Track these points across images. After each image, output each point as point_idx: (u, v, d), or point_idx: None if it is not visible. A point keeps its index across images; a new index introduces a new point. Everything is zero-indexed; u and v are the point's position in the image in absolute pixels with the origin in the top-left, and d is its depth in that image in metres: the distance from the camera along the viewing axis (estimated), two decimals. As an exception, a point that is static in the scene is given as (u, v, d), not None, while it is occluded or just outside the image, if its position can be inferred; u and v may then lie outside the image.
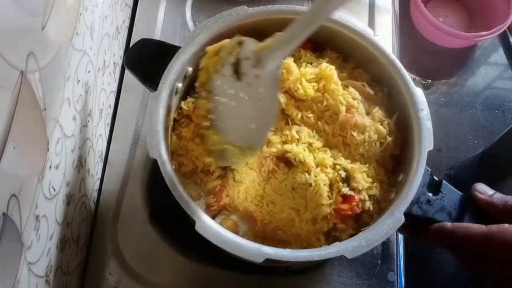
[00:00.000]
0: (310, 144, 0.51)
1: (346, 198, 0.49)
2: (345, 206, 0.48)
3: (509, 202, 0.47)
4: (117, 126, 0.67)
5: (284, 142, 0.52)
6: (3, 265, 0.37)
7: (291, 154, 0.50)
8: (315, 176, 0.49)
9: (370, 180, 0.50)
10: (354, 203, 0.48)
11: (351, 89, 0.53)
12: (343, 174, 0.49)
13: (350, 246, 0.44)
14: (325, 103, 0.52)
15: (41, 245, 0.44)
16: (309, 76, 0.53)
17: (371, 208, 0.49)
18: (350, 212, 0.49)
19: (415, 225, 0.51)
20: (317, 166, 0.50)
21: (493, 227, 0.45)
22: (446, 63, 0.81)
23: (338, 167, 0.50)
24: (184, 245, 0.59)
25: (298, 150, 0.49)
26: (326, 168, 0.50)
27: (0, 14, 0.34)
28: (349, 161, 0.51)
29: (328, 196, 0.48)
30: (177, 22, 0.74)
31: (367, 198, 0.49)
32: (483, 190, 0.50)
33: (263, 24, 0.54)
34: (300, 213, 0.50)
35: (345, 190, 0.49)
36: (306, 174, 0.49)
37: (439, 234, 0.49)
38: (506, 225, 0.45)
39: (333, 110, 0.52)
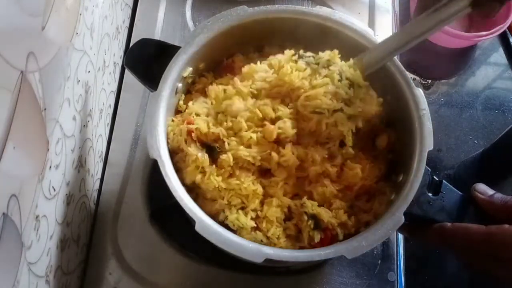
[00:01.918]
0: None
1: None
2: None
3: (509, 202, 0.47)
4: (117, 126, 0.67)
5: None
6: (3, 265, 0.37)
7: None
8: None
9: (341, 213, 0.50)
10: (327, 241, 0.48)
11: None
12: (312, 223, 0.48)
13: (350, 246, 0.44)
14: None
15: (41, 245, 0.44)
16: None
17: (341, 237, 0.49)
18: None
19: (415, 225, 0.51)
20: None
21: (493, 228, 0.45)
22: (446, 63, 0.81)
23: (304, 216, 0.49)
24: (184, 245, 0.59)
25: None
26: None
27: (0, 14, 0.34)
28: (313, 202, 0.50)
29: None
30: (177, 22, 0.74)
31: (339, 232, 0.49)
32: (483, 190, 0.50)
33: (263, 24, 0.54)
34: None
35: (317, 237, 0.48)
36: None
37: (439, 235, 0.49)
38: (506, 226, 0.45)
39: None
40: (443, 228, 0.48)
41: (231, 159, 0.48)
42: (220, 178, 0.48)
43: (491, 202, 0.49)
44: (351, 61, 0.51)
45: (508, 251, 0.44)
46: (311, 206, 0.49)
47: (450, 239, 0.48)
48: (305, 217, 0.49)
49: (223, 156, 0.48)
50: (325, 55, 0.51)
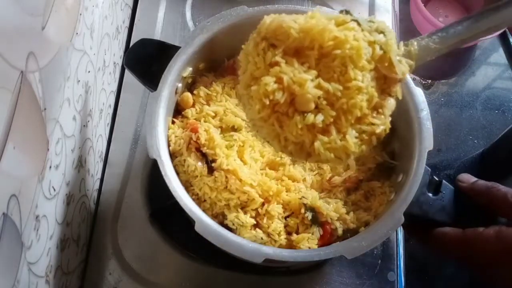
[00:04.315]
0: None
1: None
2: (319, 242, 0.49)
3: (491, 188, 0.48)
4: (117, 126, 0.67)
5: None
6: (3, 265, 0.37)
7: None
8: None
9: (340, 206, 0.50)
10: (327, 237, 0.49)
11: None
12: (310, 215, 0.49)
13: (350, 246, 0.44)
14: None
15: (41, 245, 0.44)
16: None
17: (341, 232, 0.49)
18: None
19: (415, 225, 0.51)
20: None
21: (468, 232, 0.46)
22: (446, 63, 0.81)
23: (302, 210, 0.49)
24: (184, 245, 0.59)
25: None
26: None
27: (0, 14, 0.34)
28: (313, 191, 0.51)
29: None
30: (177, 22, 0.74)
31: (338, 225, 0.49)
32: (466, 179, 0.50)
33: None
34: None
35: (317, 234, 0.48)
36: None
37: (422, 239, 0.50)
38: (481, 229, 0.45)
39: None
40: (429, 233, 0.49)
41: (224, 178, 0.48)
42: (214, 194, 0.48)
43: (472, 188, 0.49)
44: (401, 44, 0.41)
45: (482, 255, 0.45)
46: (311, 198, 0.49)
47: (430, 243, 0.49)
48: (303, 210, 0.49)
49: (216, 174, 0.49)
50: (381, 24, 0.40)
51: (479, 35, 0.41)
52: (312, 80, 0.36)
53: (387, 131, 0.40)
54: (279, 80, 0.37)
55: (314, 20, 0.37)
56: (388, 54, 0.38)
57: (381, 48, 0.38)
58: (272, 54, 0.37)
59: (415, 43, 0.41)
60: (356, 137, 0.38)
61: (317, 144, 0.37)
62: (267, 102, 0.37)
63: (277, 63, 0.37)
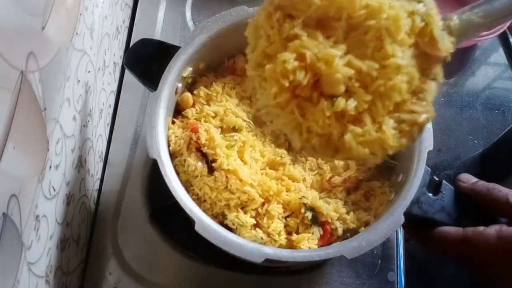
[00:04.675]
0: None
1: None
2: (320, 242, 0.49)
3: (491, 189, 0.48)
4: (117, 126, 0.67)
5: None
6: (3, 265, 0.37)
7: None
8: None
9: (340, 205, 0.50)
10: (327, 237, 0.49)
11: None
12: (310, 215, 0.49)
13: (350, 246, 0.44)
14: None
15: (41, 245, 0.44)
16: None
17: (341, 232, 0.49)
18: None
19: (415, 225, 0.51)
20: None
21: (469, 231, 0.46)
22: (446, 63, 0.81)
23: (303, 209, 0.49)
24: (184, 245, 0.59)
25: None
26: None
27: (0, 14, 0.34)
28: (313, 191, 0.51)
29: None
30: (177, 22, 0.74)
31: (338, 225, 0.49)
32: (466, 179, 0.50)
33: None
34: None
35: (317, 233, 0.48)
36: None
37: (422, 239, 0.50)
38: (482, 228, 0.45)
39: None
40: (430, 233, 0.49)
41: (224, 178, 0.48)
42: (214, 194, 0.48)
43: (473, 189, 0.49)
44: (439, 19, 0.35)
45: (481, 256, 0.45)
46: (311, 198, 0.49)
47: (430, 243, 0.49)
48: (303, 210, 0.49)
49: (217, 174, 0.49)
50: None
51: None
52: (341, 57, 0.30)
53: (431, 120, 0.33)
54: (300, 57, 0.30)
55: None
56: (429, 27, 0.32)
57: (422, 20, 0.31)
58: (290, 26, 0.31)
59: (455, 17, 0.35)
60: (394, 128, 0.32)
61: (347, 137, 0.31)
62: (286, 84, 0.30)
63: (296, 37, 0.30)
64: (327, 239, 0.48)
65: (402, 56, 0.30)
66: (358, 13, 0.30)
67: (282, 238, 0.48)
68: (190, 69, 0.53)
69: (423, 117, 0.32)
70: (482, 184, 0.49)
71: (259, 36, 0.33)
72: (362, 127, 0.31)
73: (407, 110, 0.32)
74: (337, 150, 0.32)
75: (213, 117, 0.53)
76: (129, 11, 0.75)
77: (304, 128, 0.32)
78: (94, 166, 0.61)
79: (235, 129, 0.53)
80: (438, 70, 0.34)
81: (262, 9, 0.33)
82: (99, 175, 0.64)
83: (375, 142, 0.31)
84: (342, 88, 0.30)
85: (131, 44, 0.62)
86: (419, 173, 0.47)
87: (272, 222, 0.48)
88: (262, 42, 0.32)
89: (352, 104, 0.30)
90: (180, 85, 0.53)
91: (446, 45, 0.33)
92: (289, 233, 0.49)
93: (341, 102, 0.30)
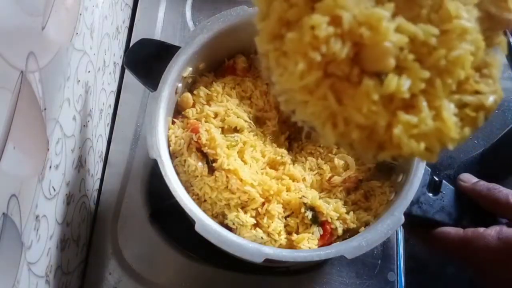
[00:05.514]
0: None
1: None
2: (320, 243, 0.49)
3: (492, 189, 0.48)
4: (117, 126, 0.67)
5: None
6: (3, 265, 0.37)
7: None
8: None
9: (340, 205, 0.50)
10: (327, 236, 0.49)
11: None
12: (310, 215, 0.49)
13: (350, 246, 0.44)
14: None
15: (41, 245, 0.44)
16: None
17: (341, 232, 0.49)
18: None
19: (415, 225, 0.51)
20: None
21: (469, 232, 0.46)
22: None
23: (303, 209, 0.49)
24: (184, 245, 0.59)
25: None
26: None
27: (0, 14, 0.34)
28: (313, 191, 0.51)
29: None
30: (177, 22, 0.74)
31: (338, 225, 0.49)
32: (467, 178, 0.50)
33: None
34: None
35: (317, 233, 0.48)
36: None
37: (422, 239, 0.50)
38: (482, 229, 0.45)
39: None
40: (430, 233, 0.49)
41: (224, 178, 0.48)
42: (215, 194, 0.48)
43: (473, 189, 0.49)
44: None
45: (481, 256, 0.45)
46: (311, 197, 0.49)
47: (431, 243, 0.49)
48: (303, 209, 0.49)
49: (217, 174, 0.48)
50: None
51: None
52: (389, 20, 0.22)
53: (499, 101, 0.26)
54: (335, 21, 0.22)
55: None
56: None
57: None
58: None
59: None
60: (455, 115, 0.25)
61: (398, 130, 0.23)
62: (318, 58, 0.23)
63: None
64: (327, 239, 0.48)
65: (468, 17, 0.23)
66: None
67: (282, 238, 0.48)
68: (190, 69, 0.53)
69: (490, 99, 0.25)
70: (483, 184, 0.49)
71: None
72: (416, 114, 0.23)
73: (470, 90, 0.25)
74: (381, 146, 0.25)
75: (214, 118, 0.53)
76: (129, 11, 0.75)
77: (340, 118, 0.24)
78: (94, 166, 0.61)
79: (236, 130, 0.53)
80: (503, 39, 0.26)
81: None
82: (99, 175, 0.64)
83: (432, 135, 0.24)
84: (392, 62, 0.22)
85: (131, 44, 0.62)
86: (419, 173, 0.47)
87: (272, 222, 0.48)
88: (278, 3, 0.25)
89: (406, 83, 0.22)
90: (180, 85, 0.53)
91: None
92: (289, 233, 0.49)
93: (392, 81, 0.22)
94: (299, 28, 0.23)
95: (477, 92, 0.25)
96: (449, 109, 0.24)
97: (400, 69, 0.23)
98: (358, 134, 0.24)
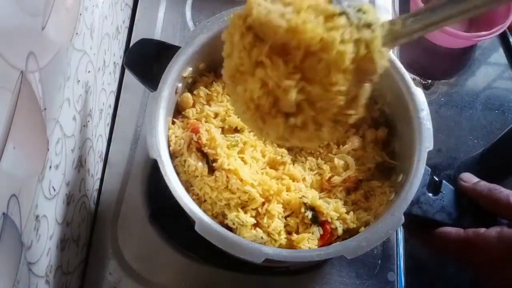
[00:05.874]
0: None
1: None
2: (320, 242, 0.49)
3: (493, 190, 0.48)
4: (117, 126, 0.67)
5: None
6: (3, 265, 0.37)
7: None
8: None
9: (340, 205, 0.50)
10: (327, 236, 0.49)
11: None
12: (310, 214, 0.49)
13: (350, 246, 0.44)
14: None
15: (41, 245, 0.44)
16: None
17: (341, 232, 0.49)
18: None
19: (415, 225, 0.51)
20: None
21: (470, 232, 0.46)
22: (446, 63, 0.81)
23: (302, 209, 0.49)
24: (184, 245, 0.59)
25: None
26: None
27: (0, 14, 0.34)
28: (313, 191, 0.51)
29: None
30: (177, 22, 0.74)
31: (338, 225, 0.49)
32: (468, 178, 0.50)
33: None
34: None
35: (317, 233, 0.48)
36: None
37: (423, 239, 0.50)
38: (482, 230, 0.45)
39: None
40: (430, 233, 0.49)
41: (225, 178, 0.48)
42: (215, 194, 0.48)
43: (474, 189, 0.49)
44: (387, 23, 0.37)
45: (481, 257, 0.45)
46: (311, 197, 0.49)
47: (432, 243, 0.49)
48: (303, 209, 0.49)
49: (217, 174, 0.49)
50: (370, 14, 0.37)
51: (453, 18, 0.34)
52: (295, 86, 0.36)
53: (360, 116, 0.40)
54: (264, 83, 0.37)
55: (301, 19, 0.35)
56: (371, 54, 0.36)
57: (366, 47, 0.36)
58: (258, 52, 0.36)
59: (400, 21, 0.37)
60: (330, 127, 0.39)
61: (294, 140, 0.40)
62: (252, 107, 0.38)
63: (263, 63, 0.37)
64: (327, 238, 0.48)
65: (343, 83, 0.36)
66: (314, 47, 0.35)
67: (282, 238, 0.48)
68: (190, 69, 0.53)
69: (354, 118, 0.39)
70: (484, 184, 0.49)
71: (232, 45, 0.38)
72: (306, 132, 0.39)
73: (342, 113, 0.39)
74: (287, 141, 0.41)
75: (214, 117, 0.53)
76: (129, 11, 0.75)
77: (264, 132, 0.40)
78: (94, 166, 0.61)
79: (236, 130, 0.53)
80: (374, 77, 0.39)
81: (235, 23, 0.38)
82: (99, 175, 0.64)
83: (314, 137, 0.40)
84: (294, 108, 0.37)
85: (131, 44, 0.62)
86: (419, 173, 0.47)
87: (272, 222, 0.48)
88: (236, 59, 0.38)
89: (300, 120, 0.38)
90: (180, 85, 0.53)
91: (383, 64, 0.37)
92: (289, 233, 0.49)
93: (292, 121, 0.38)
94: (245, 82, 0.38)
95: (347, 115, 0.39)
96: (326, 126, 0.39)
97: (300, 108, 0.37)
98: (274, 138, 0.40)
